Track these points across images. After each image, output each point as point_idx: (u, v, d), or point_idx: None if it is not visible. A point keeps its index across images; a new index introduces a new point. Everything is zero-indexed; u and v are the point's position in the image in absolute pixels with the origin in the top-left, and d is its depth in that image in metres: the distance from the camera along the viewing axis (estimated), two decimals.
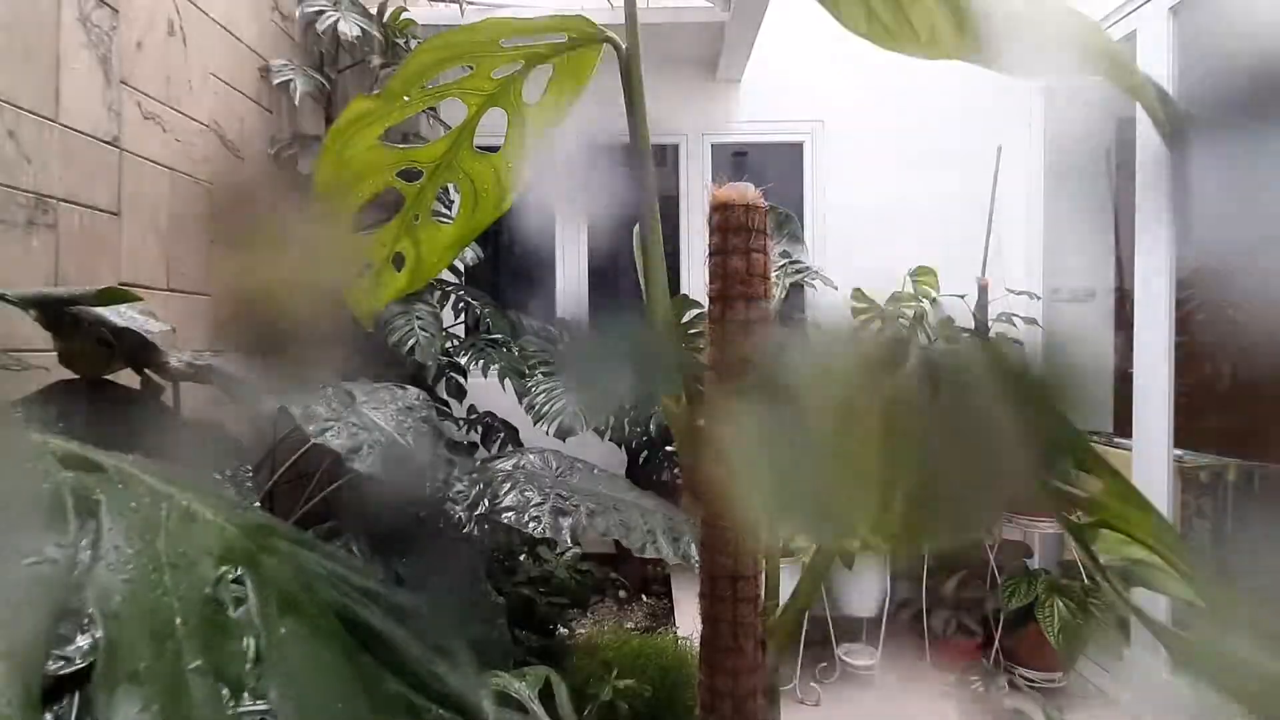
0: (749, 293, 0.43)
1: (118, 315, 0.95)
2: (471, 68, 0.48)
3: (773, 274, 0.43)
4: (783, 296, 0.64)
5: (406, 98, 0.49)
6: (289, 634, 0.33)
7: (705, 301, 0.48)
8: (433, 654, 0.41)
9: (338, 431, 1.17)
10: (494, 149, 0.56)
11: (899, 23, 0.33)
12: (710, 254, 0.45)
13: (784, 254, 0.70)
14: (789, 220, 0.76)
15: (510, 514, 1.34)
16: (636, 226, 0.47)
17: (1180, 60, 2.27)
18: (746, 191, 0.43)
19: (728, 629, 0.44)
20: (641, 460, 2.69)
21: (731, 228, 0.43)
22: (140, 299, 0.99)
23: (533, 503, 1.38)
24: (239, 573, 0.34)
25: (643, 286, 0.48)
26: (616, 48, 0.46)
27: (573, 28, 0.46)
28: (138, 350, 1.04)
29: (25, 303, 0.86)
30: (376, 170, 0.52)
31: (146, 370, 1.09)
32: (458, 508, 1.20)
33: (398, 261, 0.58)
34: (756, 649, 0.45)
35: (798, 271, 0.64)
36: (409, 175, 0.56)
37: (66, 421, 1.02)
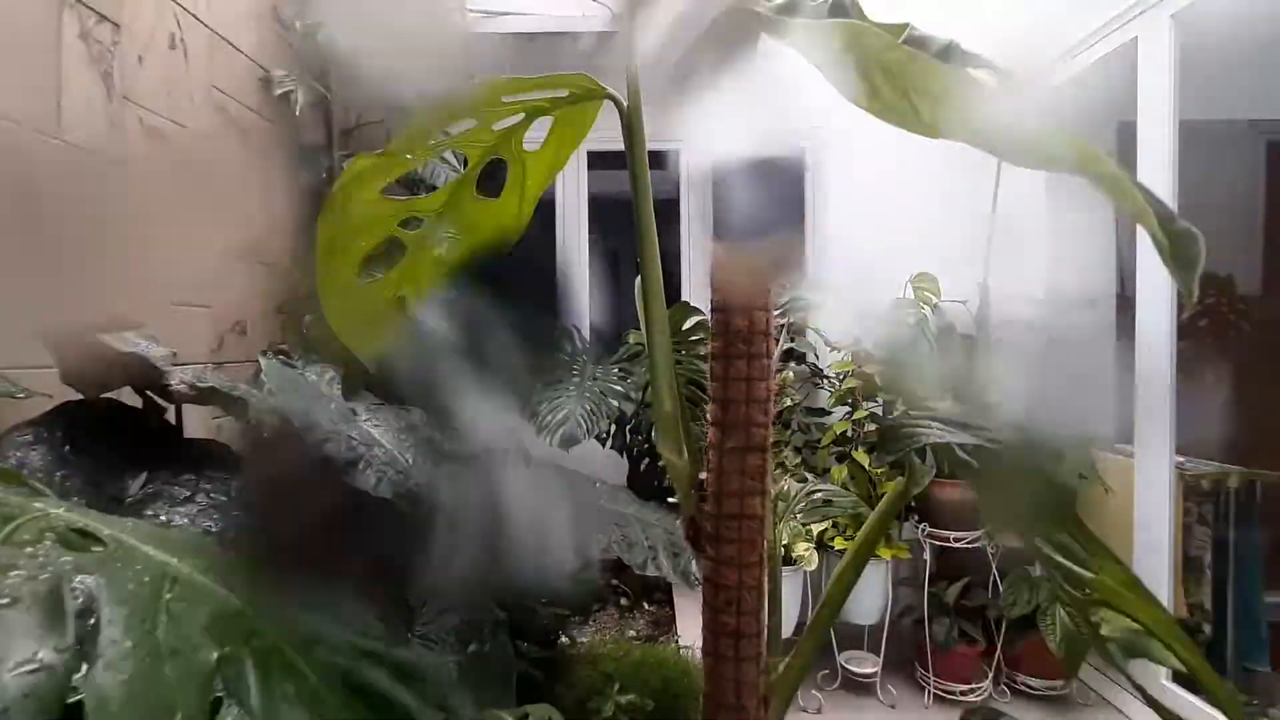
0: (751, 350, 0.43)
1: (121, 341, 0.95)
2: (474, 122, 0.49)
3: (774, 330, 0.43)
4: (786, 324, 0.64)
5: (409, 155, 0.49)
6: (290, 707, 0.33)
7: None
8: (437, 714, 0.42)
9: (337, 444, 1.17)
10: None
11: (900, 102, 0.33)
12: (712, 310, 0.45)
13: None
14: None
15: None
16: (638, 280, 0.47)
17: (1181, 68, 2.27)
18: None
19: (731, 687, 0.44)
20: (643, 468, 2.70)
21: (734, 287, 0.43)
22: (142, 324, 0.99)
23: None
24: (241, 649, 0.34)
25: (645, 337, 0.48)
26: (618, 104, 0.46)
27: (574, 84, 0.46)
28: (140, 373, 1.05)
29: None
30: (379, 222, 0.53)
31: (148, 392, 1.10)
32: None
33: (401, 305, 0.58)
34: (759, 707, 0.45)
35: (800, 307, 0.64)
36: (411, 223, 0.56)
37: (73, 445, 1.03)
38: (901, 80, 0.32)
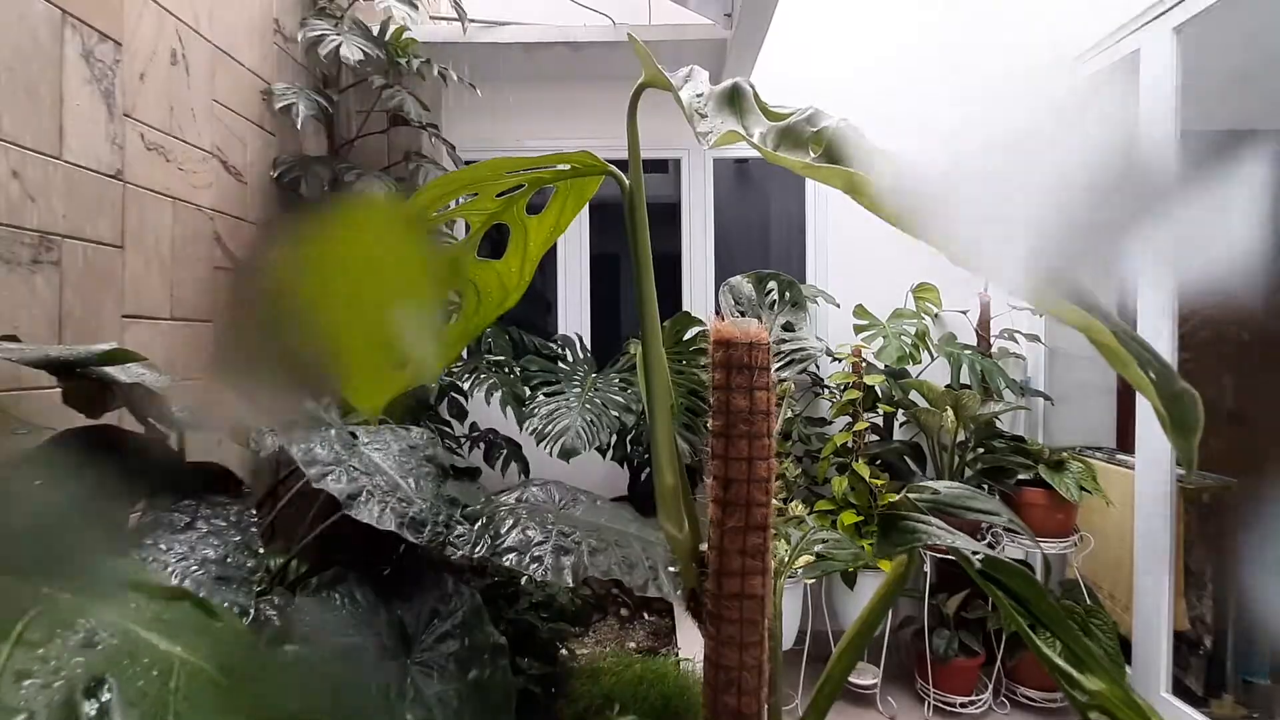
0: (752, 430, 0.43)
1: (123, 373, 0.95)
2: (476, 194, 0.49)
3: (775, 408, 0.43)
4: (790, 375, 0.64)
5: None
6: None
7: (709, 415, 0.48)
8: None
9: (338, 476, 1.17)
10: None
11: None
12: (713, 388, 0.45)
13: (786, 326, 0.70)
14: (791, 287, 0.76)
15: (512, 555, 1.34)
16: (640, 349, 0.47)
17: (1184, 80, 2.27)
18: (749, 328, 0.43)
19: None
20: (644, 478, 2.70)
21: (734, 365, 0.43)
22: (143, 357, 1.00)
23: (534, 542, 1.38)
24: None
25: (644, 403, 0.48)
26: (620, 181, 0.46)
27: (577, 160, 0.46)
28: (141, 402, 1.05)
29: (30, 364, 0.86)
30: None
31: (150, 420, 1.10)
32: (459, 552, 1.20)
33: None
34: None
35: (802, 358, 0.64)
36: None
37: (74, 473, 1.03)
38: None
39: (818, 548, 0.62)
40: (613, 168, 0.46)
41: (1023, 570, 0.46)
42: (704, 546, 0.46)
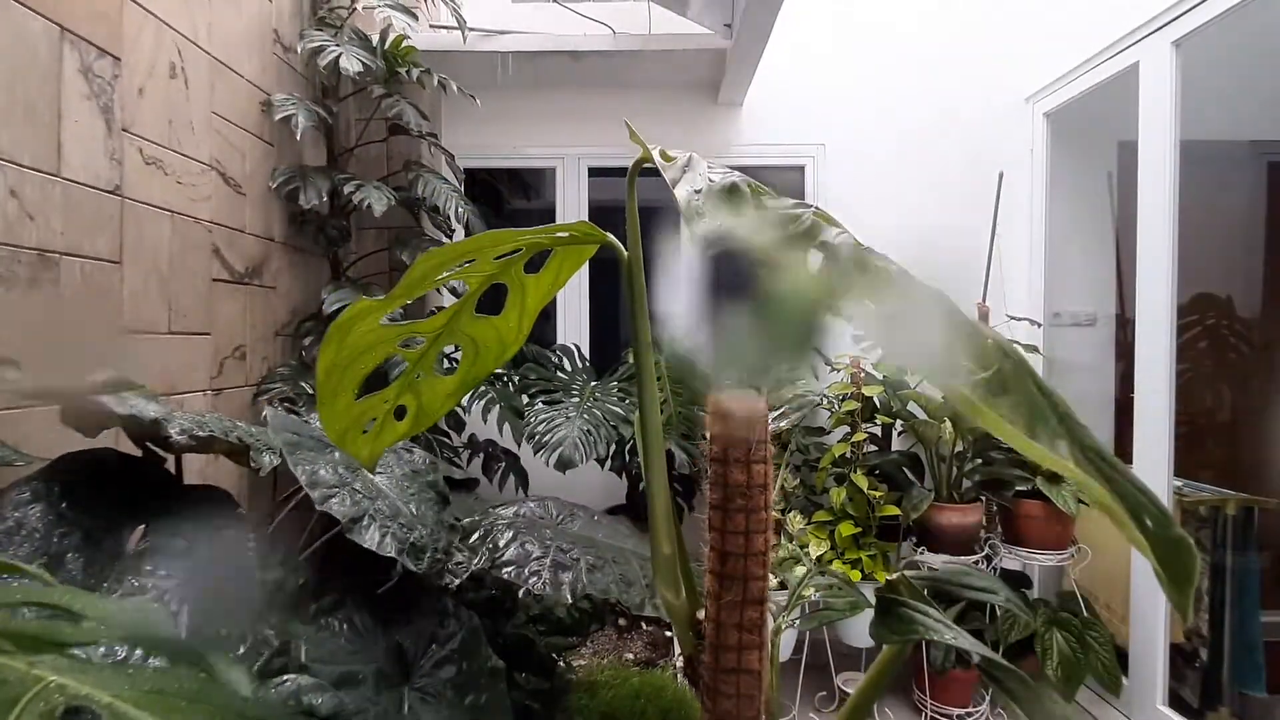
0: (749, 505, 0.43)
1: (119, 402, 0.95)
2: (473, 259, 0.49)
3: (772, 480, 0.43)
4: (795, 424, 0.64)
5: (408, 300, 0.49)
6: None
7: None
8: None
9: (341, 499, 1.17)
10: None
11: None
12: (710, 460, 0.45)
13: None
14: None
15: (511, 569, 1.34)
16: (636, 416, 0.47)
17: (1183, 90, 2.27)
18: (747, 401, 0.43)
19: None
20: (641, 488, 2.70)
21: (732, 439, 0.43)
22: (140, 385, 0.99)
23: (533, 556, 1.38)
24: None
25: (642, 467, 0.48)
26: (619, 252, 0.46)
27: (576, 230, 0.46)
28: (138, 425, 1.05)
29: (29, 395, 0.86)
30: (379, 345, 0.53)
31: (149, 444, 1.10)
32: (457, 580, 1.20)
33: (399, 413, 0.59)
34: None
35: (800, 405, 0.64)
36: (410, 342, 0.57)
37: (71, 500, 1.03)
38: None
39: (815, 595, 0.62)
40: (612, 238, 0.46)
41: (1020, 674, 0.47)
42: (701, 614, 0.46)
